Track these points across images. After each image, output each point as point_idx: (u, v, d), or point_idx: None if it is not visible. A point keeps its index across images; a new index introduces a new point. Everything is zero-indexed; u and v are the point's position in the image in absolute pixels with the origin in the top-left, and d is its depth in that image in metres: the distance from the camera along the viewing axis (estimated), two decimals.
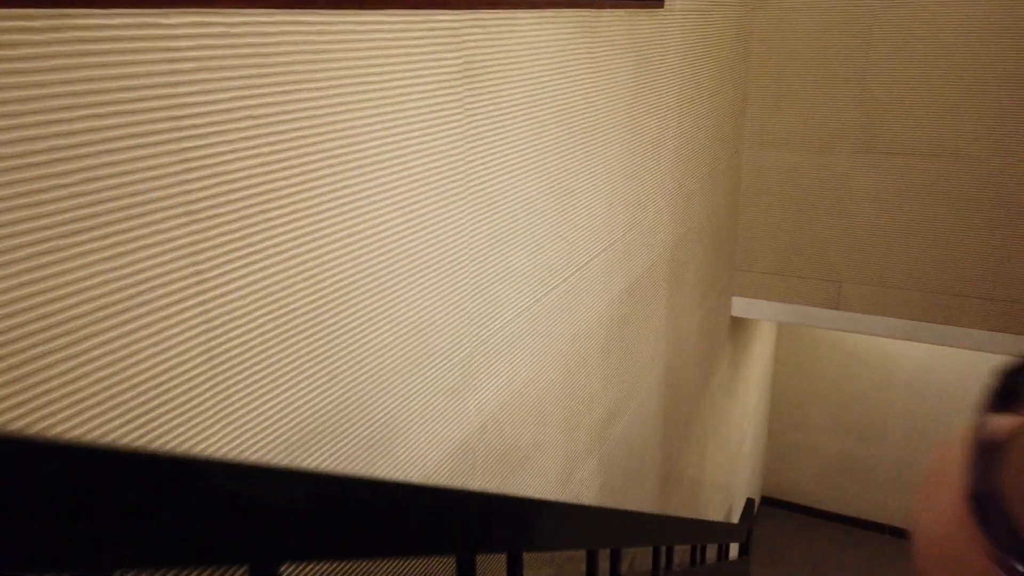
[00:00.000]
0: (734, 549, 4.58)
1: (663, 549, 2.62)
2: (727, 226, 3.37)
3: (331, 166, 0.93)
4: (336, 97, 0.92)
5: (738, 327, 4.02)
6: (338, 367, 1.01)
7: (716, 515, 4.21)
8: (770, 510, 6.11)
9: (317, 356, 0.96)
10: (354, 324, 1.02)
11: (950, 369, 5.25)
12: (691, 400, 3.17)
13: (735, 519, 4.71)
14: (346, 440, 1.05)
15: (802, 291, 3.56)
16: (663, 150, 2.26)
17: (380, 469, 1.14)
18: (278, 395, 0.91)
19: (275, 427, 0.91)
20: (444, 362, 1.28)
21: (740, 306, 3.71)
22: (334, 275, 0.97)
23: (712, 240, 3.11)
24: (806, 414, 5.85)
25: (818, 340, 5.62)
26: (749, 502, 4.69)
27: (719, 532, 3.54)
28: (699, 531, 3.00)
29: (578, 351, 1.84)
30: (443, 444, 1.30)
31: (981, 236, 3.11)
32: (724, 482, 4.30)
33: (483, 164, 1.28)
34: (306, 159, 0.89)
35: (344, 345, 1.01)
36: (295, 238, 0.89)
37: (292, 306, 0.91)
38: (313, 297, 0.94)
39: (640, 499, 2.59)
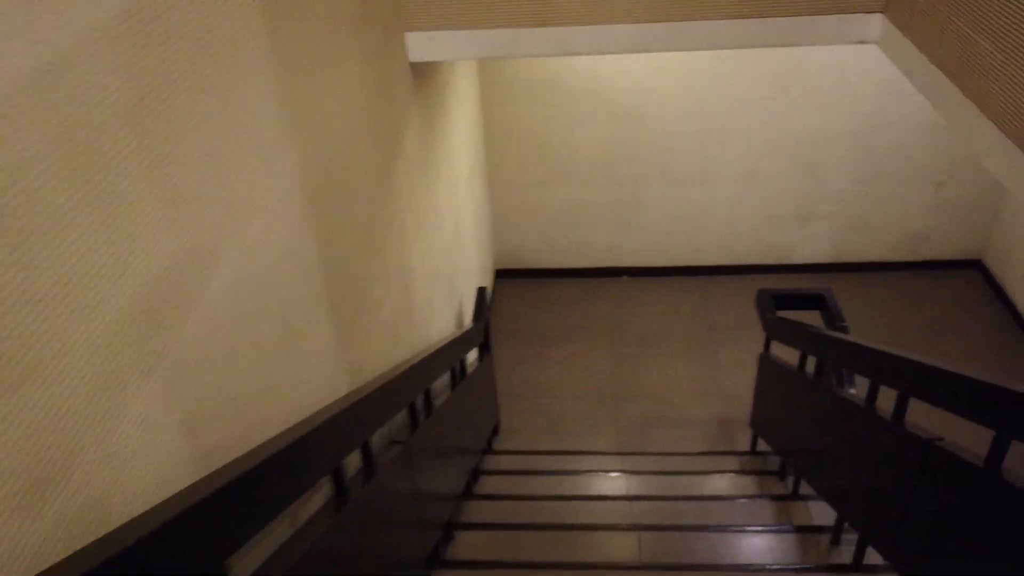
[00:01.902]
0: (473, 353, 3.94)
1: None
2: None
3: None
4: None
5: (424, 77, 2.97)
6: None
7: (443, 324, 3.45)
8: (506, 282, 5.61)
9: None
10: None
11: (672, 85, 4.74)
12: (371, 201, 2.16)
13: (467, 318, 4.03)
14: None
15: (497, 8, 2.56)
16: None
17: None
18: None
19: None
20: None
21: (418, 45, 2.64)
22: None
23: None
24: (527, 169, 5.19)
25: (530, 78, 4.79)
26: (481, 292, 3.99)
27: (447, 357, 2.76)
28: (406, 387, 2.16)
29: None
30: None
31: None
32: (445, 280, 3.50)
33: None
34: None
35: None
36: None
37: None
38: None
39: (301, 381, 1.61)
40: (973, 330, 4.82)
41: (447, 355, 2.73)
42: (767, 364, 3.65)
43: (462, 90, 4.11)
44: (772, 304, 3.62)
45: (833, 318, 3.46)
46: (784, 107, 4.76)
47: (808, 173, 5.02)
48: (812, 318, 3.62)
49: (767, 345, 3.68)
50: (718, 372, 4.65)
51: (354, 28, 2.00)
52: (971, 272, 5.32)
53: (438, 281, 3.28)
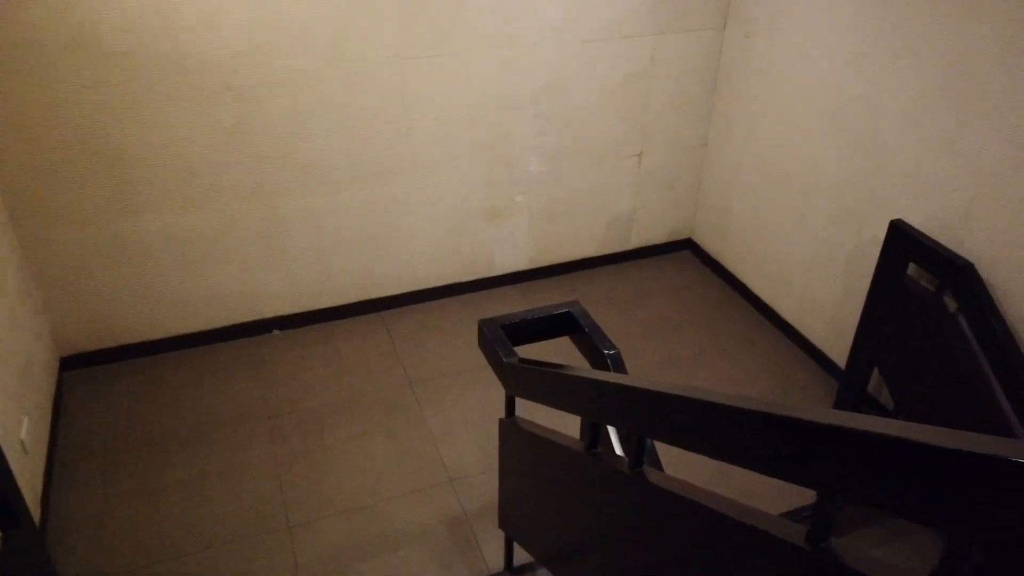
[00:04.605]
0: None
1: None
2: None
3: None
4: None
5: None
6: None
7: None
8: (84, 375, 3.69)
9: None
10: None
11: (282, 39, 3.30)
12: None
13: None
14: None
15: None
16: None
17: None
18: None
19: None
20: None
21: None
22: None
23: None
24: (80, 190, 3.36)
25: (47, 38, 3.00)
26: None
27: None
28: None
29: None
30: None
31: None
32: None
33: None
34: None
35: None
36: None
37: None
38: None
39: None
40: (706, 318, 4.14)
41: None
42: (515, 435, 2.39)
43: None
44: (504, 340, 2.37)
45: (596, 342, 2.32)
46: (449, 67, 3.61)
47: (492, 155, 3.95)
48: (558, 348, 2.47)
49: (510, 405, 2.43)
50: (433, 444, 3.32)
51: None
52: (684, 253, 4.71)
53: None
